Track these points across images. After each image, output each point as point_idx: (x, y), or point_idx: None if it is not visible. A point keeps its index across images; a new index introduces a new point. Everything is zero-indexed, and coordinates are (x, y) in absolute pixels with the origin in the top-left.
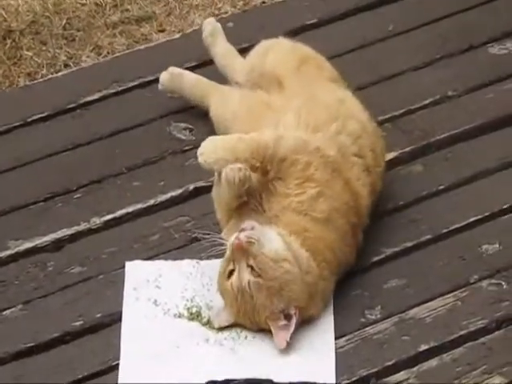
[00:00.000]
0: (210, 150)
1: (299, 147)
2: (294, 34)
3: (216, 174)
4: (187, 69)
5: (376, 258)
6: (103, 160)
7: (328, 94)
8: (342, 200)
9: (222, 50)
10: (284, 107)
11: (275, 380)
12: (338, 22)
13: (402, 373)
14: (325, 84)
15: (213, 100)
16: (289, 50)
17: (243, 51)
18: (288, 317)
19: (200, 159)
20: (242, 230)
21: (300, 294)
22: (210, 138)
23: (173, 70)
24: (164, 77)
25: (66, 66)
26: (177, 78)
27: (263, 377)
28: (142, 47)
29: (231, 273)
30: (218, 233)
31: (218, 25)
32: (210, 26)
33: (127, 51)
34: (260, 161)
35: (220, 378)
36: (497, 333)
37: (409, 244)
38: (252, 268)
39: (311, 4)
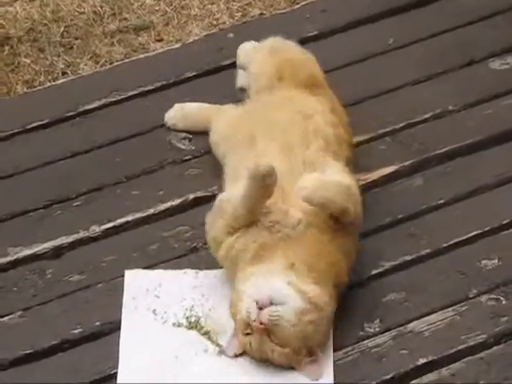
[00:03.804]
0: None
1: None
2: None
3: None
4: (187, 79)
5: (375, 272)
6: (102, 168)
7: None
8: None
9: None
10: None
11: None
12: (338, 34)
13: None
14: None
15: (213, 124)
16: (268, 53)
17: None
18: (311, 353)
19: None
20: (259, 304)
21: (324, 333)
22: None
23: (175, 106)
24: (168, 115)
25: (64, 73)
26: (179, 111)
27: None
28: (142, 56)
29: (248, 333)
30: None
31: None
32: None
33: (127, 60)
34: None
35: None
36: (495, 348)
37: (408, 258)
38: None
39: (312, 16)
